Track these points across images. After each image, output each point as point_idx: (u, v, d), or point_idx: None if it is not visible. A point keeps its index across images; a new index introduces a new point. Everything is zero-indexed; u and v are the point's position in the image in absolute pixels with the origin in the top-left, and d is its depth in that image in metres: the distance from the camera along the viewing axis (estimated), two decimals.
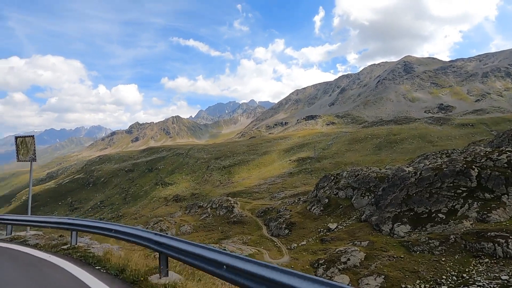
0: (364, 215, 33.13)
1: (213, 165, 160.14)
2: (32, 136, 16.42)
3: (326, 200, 43.43)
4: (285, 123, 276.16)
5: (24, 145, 15.74)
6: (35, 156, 16.53)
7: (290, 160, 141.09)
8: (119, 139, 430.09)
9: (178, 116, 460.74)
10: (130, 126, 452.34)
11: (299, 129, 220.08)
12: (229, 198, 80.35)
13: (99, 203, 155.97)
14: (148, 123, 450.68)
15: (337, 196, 43.69)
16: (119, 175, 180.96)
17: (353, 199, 39.69)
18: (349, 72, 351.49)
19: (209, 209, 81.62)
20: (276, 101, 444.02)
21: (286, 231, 40.58)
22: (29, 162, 17.12)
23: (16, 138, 16.64)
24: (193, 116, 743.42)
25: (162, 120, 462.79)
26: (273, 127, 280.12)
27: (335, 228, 35.16)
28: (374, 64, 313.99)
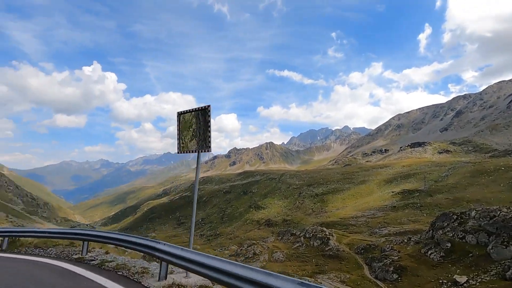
0: (510, 271, 25.31)
1: (305, 192, 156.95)
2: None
3: (448, 245, 35.63)
4: (385, 150, 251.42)
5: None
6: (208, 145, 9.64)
7: (392, 192, 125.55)
8: (219, 162, 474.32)
9: (271, 142, 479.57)
10: (229, 151, 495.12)
11: (402, 157, 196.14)
12: (324, 229, 75.86)
13: (200, 220, 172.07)
14: (244, 149, 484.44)
15: (463, 240, 35.36)
16: (218, 195, 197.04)
17: (490, 247, 31.18)
18: (467, 92, 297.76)
19: (302, 238, 78.78)
20: (373, 127, 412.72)
21: (395, 275, 34.75)
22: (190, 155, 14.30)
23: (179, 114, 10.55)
24: (285, 143, 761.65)
25: (257, 146, 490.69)
26: (371, 154, 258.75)
27: (465, 282, 27.96)
28: (503, 81, 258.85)
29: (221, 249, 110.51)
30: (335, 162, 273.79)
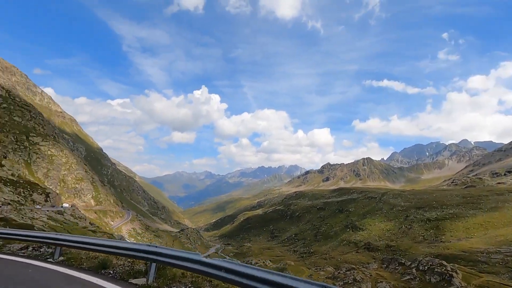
0: None
1: (413, 216, 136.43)
2: None
3: None
4: None
5: None
6: None
7: None
8: (312, 178, 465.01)
9: (369, 158, 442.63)
10: (322, 166, 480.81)
11: None
12: (444, 263, 63.23)
13: (293, 236, 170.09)
14: (338, 164, 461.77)
15: None
16: (311, 211, 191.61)
17: None
18: None
19: (414, 270, 67.42)
20: (504, 141, 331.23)
21: None
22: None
23: None
24: (385, 159, 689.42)
25: (352, 161, 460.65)
26: (505, 175, 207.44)
27: None
28: None
29: (316, 269, 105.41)
30: (452, 182, 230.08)
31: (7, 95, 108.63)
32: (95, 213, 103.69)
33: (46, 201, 58.53)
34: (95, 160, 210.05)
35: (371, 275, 70.20)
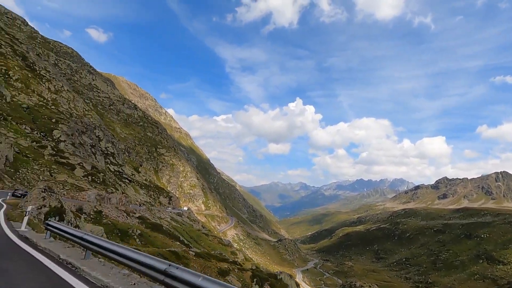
0: None
1: None
2: None
3: None
4: None
5: None
6: None
7: None
8: (424, 194, 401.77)
9: (505, 172, 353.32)
10: (437, 181, 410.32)
11: None
12: None
13: (404, 260, 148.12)
14: (459, 179, 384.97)
15: None
16: (427, 234, 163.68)
17: None
18: None
19: None
20: None
21: None
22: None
23: None
24: None
25: (480, 176, 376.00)
26: None
27: None
28: None
29: None
30: None
31: (143, 115, 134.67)
32: (205, 217, 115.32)
33: (169, 203, 68.29)
34: (204, 170, 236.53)
35: None
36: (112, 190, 39.43)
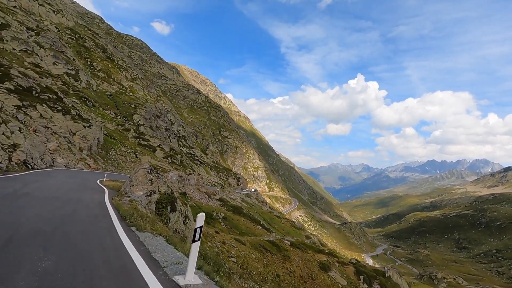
0: None
1: None
2: None
3: None
4: None
5: None
6: None
7: None
8: None
9: None
10: None
11: None
12: None
13: (494, 251, 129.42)
14: None
15: None
16: None
17: None
18: None
19: None
20: None
21: None
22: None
23: None
24: None
25: None
26: None
27: None
28: None
29: None
30: None
31: (206, 100, 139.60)
32: (269, 198, 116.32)
33: (237, 184, 69.59)
34: (263, 152, 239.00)
35: None
36: (190, 171, 40.81)
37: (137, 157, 34.01)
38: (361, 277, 22.22)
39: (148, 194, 11.64)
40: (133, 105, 50.87)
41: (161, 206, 10.88)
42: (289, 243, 20.34)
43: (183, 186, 26.57)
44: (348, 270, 22.38)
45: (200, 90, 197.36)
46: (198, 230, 4.17)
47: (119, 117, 44.38)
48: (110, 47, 73.11)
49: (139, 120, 47.08)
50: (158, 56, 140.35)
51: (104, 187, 15.67)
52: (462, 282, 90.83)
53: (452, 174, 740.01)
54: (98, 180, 19.52)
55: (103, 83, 52.69)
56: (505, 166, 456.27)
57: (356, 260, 31.13)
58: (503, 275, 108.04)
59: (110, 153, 31.10)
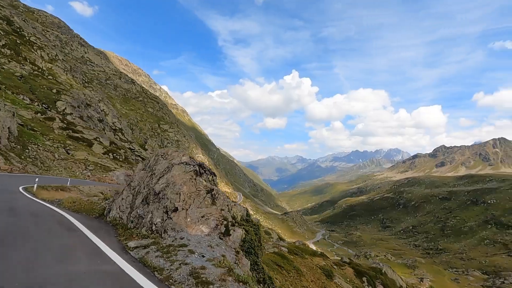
0: None
1: None
2: None
3: None
4: None
5: None
6: None
7: None
8: (421, 162, 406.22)
9: (503, 138, 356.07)
10: (435, 149, 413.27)
11: None
12: None
13: (411, 228, 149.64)
14: (457, 147, 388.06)
15: None
16: (432, 201, 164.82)
17: None
18: None
19: None
20: None
21: None
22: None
23: None
24: None
25: (477, 143, 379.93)
26: None
27: None
28: None
29: (456, 271, 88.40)
30: None
31: (142, 90, 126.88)
32: None
33: None
34: (204, 146, 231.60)
35: None
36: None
37: (68, 153, 26.82)
38: (364, 278, 21.24)
39: (222, 232, 6.51)
40: (54, 90, 41.20)
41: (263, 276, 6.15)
42: (286, 250, 17.90)
43: None
44: (347, 272, 21.10)
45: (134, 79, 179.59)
46: None
47: (36, 103, 35.18)
48: (17, 20, 58.85)
49: (65, 108, 38.25)
50: (81, 38, 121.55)
51: (57, 210, 9.72)
52: (391, 257, 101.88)
53: (372, 162, 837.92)
54: (22, 187, 13.54)
55: (9, 61, 41.47)
56: (412, 154, 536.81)
57: (350, 259, 30.75)
58: (419, 247, 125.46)
59: (30, 148, 23.56)
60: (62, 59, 60.36)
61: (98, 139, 35.50)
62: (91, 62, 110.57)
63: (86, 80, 74.99)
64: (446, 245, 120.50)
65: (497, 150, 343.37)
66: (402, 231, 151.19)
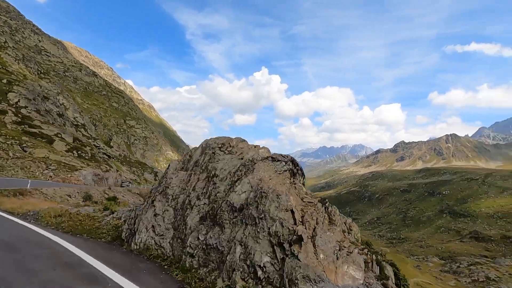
0: None
1: None
2: None
3: None
4: None
5: None
6: None
7: None
8: (383, 157, 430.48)
9: (454, 134, 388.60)
10: (395, 145, 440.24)
11: None
12: None
13: (375, 219, 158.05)
14: (415, 142, 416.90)
15: None
16: (394, 194, 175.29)
17: None
18: None
19: None
20: None
21: None
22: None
23: None
24: (469, 135, 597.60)
25: (433, 139, 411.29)
26: None
27: None
28: None
29: (417, 258, 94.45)
30: None
31: (105, 84, 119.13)
32: None
33: (155, 179, 61.29)
34: (173, 143, 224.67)
35: (510, 274, 57.99)
36: (106, 167, 31.79)
37: (25, 151, 23.66)
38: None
39: (377, 274, 4.28)
40: (5, 81, 36.54)
41: None
42: None
43: (110, 188, 19.71)
44: None
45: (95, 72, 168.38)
46: None
47: None
48: None
49: (19, 101, 34.03)
50: (34, 25, 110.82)
51: (40, 231, 6.65)
52: None
53: (339, 157, 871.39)
54: None
55: None
56: (375, 150, 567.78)
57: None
58: (383, 237, 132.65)
59: None
60: (13, 46, 54.14)
61: (59, 135, 32.05)
62: (47, 52, 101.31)
63: (42, 71, 68.38)
64: (407, 234, 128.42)
65: (449, 145, 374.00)
66: (367, 223, 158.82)
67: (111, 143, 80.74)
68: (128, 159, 66.95)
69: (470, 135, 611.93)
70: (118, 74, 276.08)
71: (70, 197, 15.08)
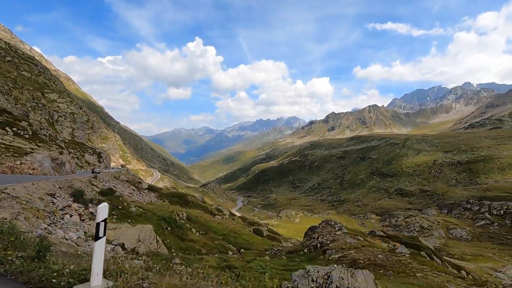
0: None
1: (441, 160, 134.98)
2: None
3: None
4: None
5: None
6: None
7: None
8: (317, 128, 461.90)
9: (375, 105, 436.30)
10: (327, 116, 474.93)
11: None
12: None
13: (316, 185, 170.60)
14: (344, 113, 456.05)
15: None
16: (331, 161, 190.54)
17: None
18: None
19: (487, 214, 65.35)
20: (508, 82, 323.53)
21: None
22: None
23: None
24: (385, 106, 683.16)
25: (356, 110, 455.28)
26: None
27: None
28: None
29: (358, 217, 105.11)
30: (470, 125, 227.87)
31: (7, 47, 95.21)
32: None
33: (99, 161, 52.24)
34: (103, 120, 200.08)
35: (438, 222, 68.32)
36: (56, 149, 24.05)
37: None
38: (423, 253, 20.14)
39: None
40: None
41: None
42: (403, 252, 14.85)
43: (95, 178, 14.23)
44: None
45: None
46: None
47: None
48: None
49: None
50: None
51: None
52: (307, 214, 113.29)
53: (275, 130, 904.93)
54: None
55: None
56: (308, 121, 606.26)
57: (383, 232, 29.73)
58: (325, 201, 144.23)
59: None
60: None
61: None
62: None
63: None
64: (346, 196, 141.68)
65: (371, 115, 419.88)
66: (310, 189, 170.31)
67: (30, 121, 66.05)
68: (62, 139, 55.62)
69: (385, 106, 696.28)
70: (20, 38, 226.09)
71: (55, 198, 10.10)
